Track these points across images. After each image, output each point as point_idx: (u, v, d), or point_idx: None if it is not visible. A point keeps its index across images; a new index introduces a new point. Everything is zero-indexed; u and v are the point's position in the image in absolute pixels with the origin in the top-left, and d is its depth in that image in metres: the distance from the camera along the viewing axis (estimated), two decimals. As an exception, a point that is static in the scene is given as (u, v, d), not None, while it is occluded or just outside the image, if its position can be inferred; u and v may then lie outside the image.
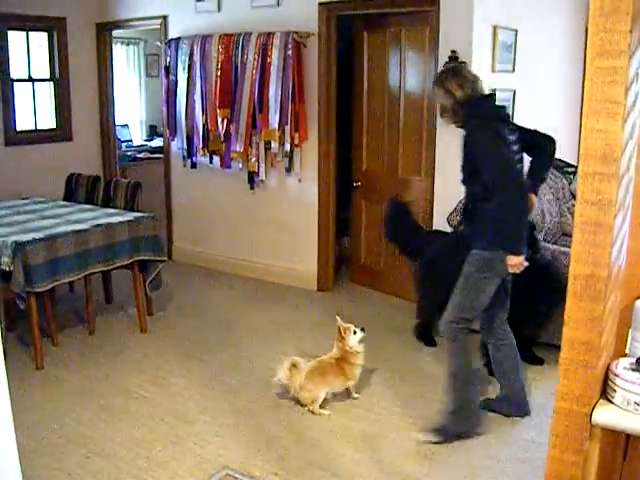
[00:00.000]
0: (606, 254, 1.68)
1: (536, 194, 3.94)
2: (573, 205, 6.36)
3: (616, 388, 1.84)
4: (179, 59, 6.68)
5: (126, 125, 9.34)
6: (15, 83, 7.12)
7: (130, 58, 9.48)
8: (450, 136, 5.38)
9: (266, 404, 4.19)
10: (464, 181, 3.75)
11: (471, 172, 3.65)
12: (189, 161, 6.98)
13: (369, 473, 3.45)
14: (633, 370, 1.86)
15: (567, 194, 6.64)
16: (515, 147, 3.70)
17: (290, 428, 3.90)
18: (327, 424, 3.93)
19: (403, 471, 3.47)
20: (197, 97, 6.58)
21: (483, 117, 3.62)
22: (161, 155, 7.75)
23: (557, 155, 6.94)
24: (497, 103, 3.86)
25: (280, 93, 5.96)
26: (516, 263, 3.55)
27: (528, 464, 3.50)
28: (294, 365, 4.09)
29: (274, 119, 6.03)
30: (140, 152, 9.09)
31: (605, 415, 1.80)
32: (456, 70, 3.89)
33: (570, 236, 6.24)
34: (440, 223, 5.50)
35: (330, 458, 3.59)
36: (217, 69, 6.36)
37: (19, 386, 4.28)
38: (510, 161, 3.62)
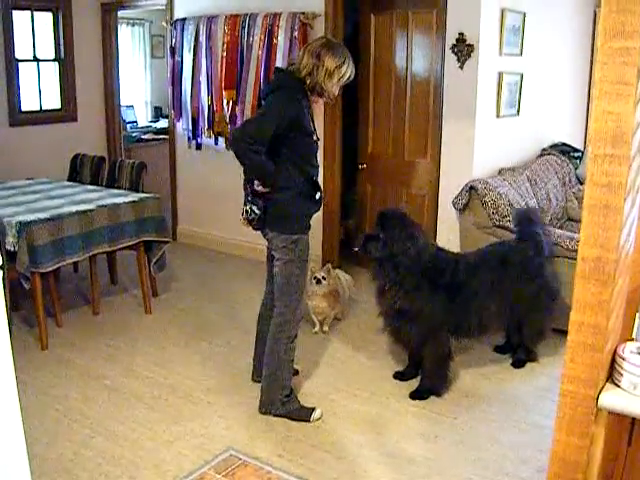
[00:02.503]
0: (615, 237, 1.67)
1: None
2: (579, 190, 6.35)
3: (623, 372, 1.84)
4: (185, 40, 6.65)
5: (131, 106, 9.31)
6: (20, 63, 7.08)
7: (135, 39, 9.43)
8: (456, 119, 5.38)
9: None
10: None
11: None
12: (194, 142, 6.97)
13: (373, 455, 3.46)
14: (640, 354, 1.86)
15: (573, 179, 6.62)
16: None
17: (294, 410, 3.91)
18: (331, 406, 3.94)
19: (406, 454, 3.48)
20: (203, 78, 6.55)
21: None
22: (166, 136, 7.74)
23: (564, 140, 6.99)
24: None
25: (286, 75, 5.92)
26: None
27: (531, 448, 3.50)
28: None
29: (280, 101, 5.99)
30: (145, 133, 9.07)
31: (612, 399, 1.80)
32: None
33: (575, 221, 6.16)
34: (446, 206, 5.49)
35: (334, 440, 3.59)
36: (223, 50, 6.33)
37: (24, 366, 4.29)
38: None
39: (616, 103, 1.61)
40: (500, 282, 4.13)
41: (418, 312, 3.92)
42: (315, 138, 3.67)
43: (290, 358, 3.81)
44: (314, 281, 4.85)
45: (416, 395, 4.06)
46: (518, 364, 4.47)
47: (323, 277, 4.87)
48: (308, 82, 3.55)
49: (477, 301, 4.04)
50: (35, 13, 7.18)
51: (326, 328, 5.01)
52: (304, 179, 3.62)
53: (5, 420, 1.93)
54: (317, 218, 6.07)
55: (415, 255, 3.83)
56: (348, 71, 3.62)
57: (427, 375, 4.10)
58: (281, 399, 3.77)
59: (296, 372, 4.16)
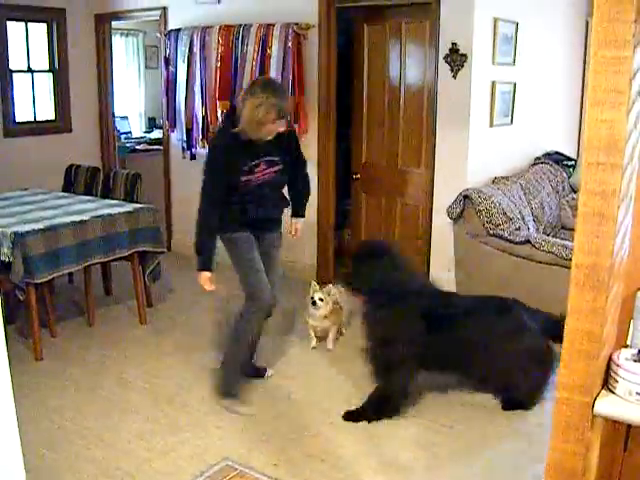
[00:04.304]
0: (609, 244, 1.68)
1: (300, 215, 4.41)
2: (573, 199, 6.37)
3: (618, 379, 1.84)
4: (179, 50, 6.66)
5: (125, 117, 9.32)
6: (14, 74, 7.10)
7: (129, 50, 9.44)
8: (450, 128, 5.40)
9: (266, 395, 4.19)
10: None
11: None
12: (188, 153, 6.96)
13: (369, 464, 3.46)
14: (635, 361, 1.87)
15: (566, 187, 6.64)
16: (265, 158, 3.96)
17: (290, 419, 3.91)
18: (327, 416, 3.93)
19: (403, 463, 3.48)
20: (197, 89, 6.56)
21: None
22: (160, 147, 7.73)
23: (557, 149, 7.02)
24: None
25: (280, 85, 5.94)
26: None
27: (527, 456, 3.50)
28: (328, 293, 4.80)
29: (274, 111, 6.00)
30: (139, 144, 9.07)
31: (607, 406, 1.81)
32: None
33: (569, 229, 6.12)
34: (439, 215, 5.50)
35: (330, 449, 3.59)
36: (217, 61, 6.34)
37: (18, 377, 4.24)
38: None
39: (609, 111, 1.62)
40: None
41: (386, 339, 3.87)
42: (247, 177, 3.98)
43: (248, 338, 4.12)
44: (310, 302, 4.76)
45: (350, 416, 3.90)
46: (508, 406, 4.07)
47: (320, 299, 4.72)
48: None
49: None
50: (29, 24, 7.20)
51: (330, 346, 4.87)
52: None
53: (2, 432, 1.92)
54: (311, 228, 6.12)
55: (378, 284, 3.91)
56: (266, 113, 3.70)
57: (372, 400, 3.93)
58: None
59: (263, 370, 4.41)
